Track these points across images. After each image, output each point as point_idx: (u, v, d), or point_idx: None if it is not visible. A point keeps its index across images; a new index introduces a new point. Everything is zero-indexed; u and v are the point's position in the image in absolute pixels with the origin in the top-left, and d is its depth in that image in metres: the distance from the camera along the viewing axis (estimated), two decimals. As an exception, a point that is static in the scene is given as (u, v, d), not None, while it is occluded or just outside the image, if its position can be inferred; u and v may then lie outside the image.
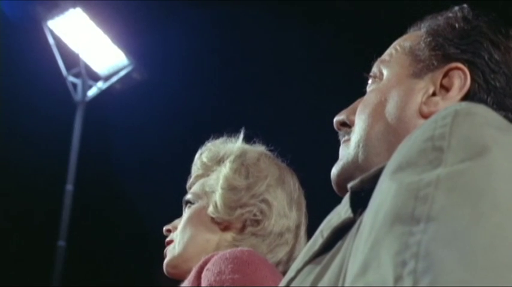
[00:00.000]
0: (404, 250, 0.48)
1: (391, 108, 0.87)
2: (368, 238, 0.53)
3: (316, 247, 0.70)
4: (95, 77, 6.31)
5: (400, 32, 0.98)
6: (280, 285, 0.73)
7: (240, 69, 6.36)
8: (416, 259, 0.47)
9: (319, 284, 0.65)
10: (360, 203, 0.67)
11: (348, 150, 0.89)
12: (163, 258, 1.35)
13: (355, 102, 0.93)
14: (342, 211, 0.70)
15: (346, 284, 0.56)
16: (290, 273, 0.72)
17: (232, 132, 1.42)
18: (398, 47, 0.93)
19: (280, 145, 1.43)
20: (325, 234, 0.70)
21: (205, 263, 1.15)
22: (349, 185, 0.70)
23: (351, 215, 0.68)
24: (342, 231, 0.68)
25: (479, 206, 0.49)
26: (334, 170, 0.90)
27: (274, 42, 6.24)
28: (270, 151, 1.41)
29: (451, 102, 0.83)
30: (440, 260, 0.47)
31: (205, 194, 1.34)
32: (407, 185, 0.53)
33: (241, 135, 1.40)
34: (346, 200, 0.70)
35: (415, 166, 0.55)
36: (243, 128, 1.42)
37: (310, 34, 5.91)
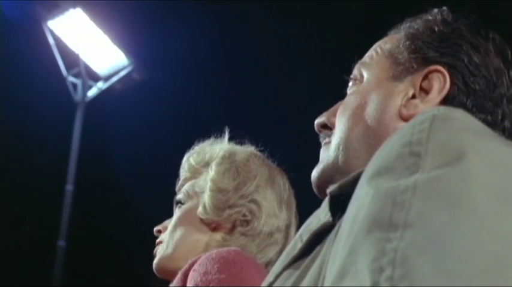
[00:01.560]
0: (381, 257, 0.48)
1: (371, 111, 0.87)
2: (345, 243, 0.53)
3: (296, 251, 0.70)
4: (95, 77, 6.32)
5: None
6: None
7: (241, 68, 6.37)
8: (393, 266, 0.47)
9: None
10: (339, 207, 0.67)
11: (328, 152, 0.89)
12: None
13: (336, 105, 0.93)
14: (321, 214, 0.70)
15: (324, 290, 0.55)
16: (269, 277, 0.71)
17: (232, 131, 1.42)
18: (378, 50, 0.93)
19: (282, 143, 1.42)
20: (304, 238, 0.70)
21: (192, 265, 1.15)
22: (328, 190, 0.69)
23: (330, 219, 0.68)
24: (321, 235, 0.68)
25: (456, 212, 0.49)
26: (315, 173, 0.90)
27: (275, 42, 6.24)
28: (260, 151, 1.40)
29: (430, 104, 0.83)
30: (417, 267, 0.46)
31: (195, 194, 1.34)
32: (384, 191, 0.53)
33: (228, 136, 1.40)
34: (325, 204, 0.70)
35: (393, 172, 0.54)
36: (243, 127, 1.43)
37: (313, 32, 5.90)
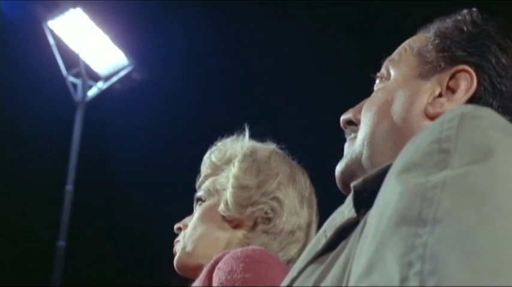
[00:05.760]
0: (410, 251, 0.49)
1: (396, 108, 0.87)
2: (373, 238, 0.53)
3: (319, 246, 0.70)
4: (95, 77, 6.31)
5: (405, 31, 0.98)
6: (282, 284, 0.73)
7: (241, 68, 6.36)
8: (422, 261, 0.48)
9: (322, 284, 0.65)
10: (363, 203, 0.67)
11: (353, 147, 0.90)
12: (163, 258, 1.34)
13: (362, 102, 0.93)
14: (346, 210, 0.70)
15: (350, 285, 0.56)
16: (293, 273, 0.72)
17: (233, 131, 1.42)
18: (407, 47, 0.93)
19: (284, 143, 1.43)
20: (329, 234, 0.70)
21: (216, 262, 1.15)
22: (352, 185, 0.70)
23: (355, 215, 0.68)
24: (345, 231, 0.69)
25: (484, 209, 0.50)
26: (339, 168, 0.91)
27: (275, 41, 6.24)
28: (281, 148, 1.40)
29: (456, 104, 0.84)
30: (446, 262, 0.47)
31: (216, 191, 1.34)
32: (413, 187, 0.53)
33: (249, 134, 1.39)
34: (349, 200, 0.71)
35: (421, 168, 0.55)
36: (246, 127, 1.41)
37: (312, 32, 5.91)
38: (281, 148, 1.40)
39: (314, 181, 1.39)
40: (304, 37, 6.00)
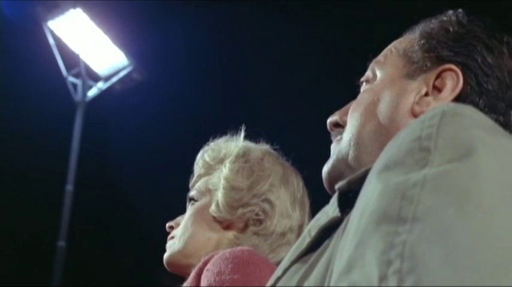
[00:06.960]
0: (389, 250, 0.48)
1: (383, 108, 0.87)
2: (354, 237, 0.53)
3: (304, 246, 0.70)
4: (95, 78, 6.32)
5: (397, 30, 0.98)
6: (267, 284, 0.73)
7: (241, 68, 6.37)
8: (401, 259, 0.47)
9: (305, 284, 0.65)
10: (348, 203, 0.67)
11: (339, 148, 0.90)
12: (162, 258, 1.35)
13: (348, 104, 0.93)
14: (330, 210, 0.70)
15: (331, 284, 0.56)
16: (277, 272, 0.72)
17: (233, 132, 1.41)
18: (393, 49, 0.94)
19: (282, 143, 1.42)
20: (313, 233, 0.70)
21: (205, 264, 1.15)
22: (336, 186, 0.70)
23: (339, 214, 0.68)
24: (329, 230, 0.68)
25: (464, 207, 0.49)
26: (325, 169, 0.91)
27: (275, 41, 6.24)
28: (275, 149, 1.39)
29: (442, 102, 0.83)
30: (425, 260, 0.47)
31: (208, 191, 1.33)
32: (394, 185, 0.53)
33: (243, 134, 1.39)
34: (334, 199, 0.71)
35: (402, 166, 0.55)
36: (245, 127, 1.41)
37: (311, 31, 5.91)
38: (275, 149, 1.39)
39: (308, 182, 1.38)
40: (303, 38, 6.00)
